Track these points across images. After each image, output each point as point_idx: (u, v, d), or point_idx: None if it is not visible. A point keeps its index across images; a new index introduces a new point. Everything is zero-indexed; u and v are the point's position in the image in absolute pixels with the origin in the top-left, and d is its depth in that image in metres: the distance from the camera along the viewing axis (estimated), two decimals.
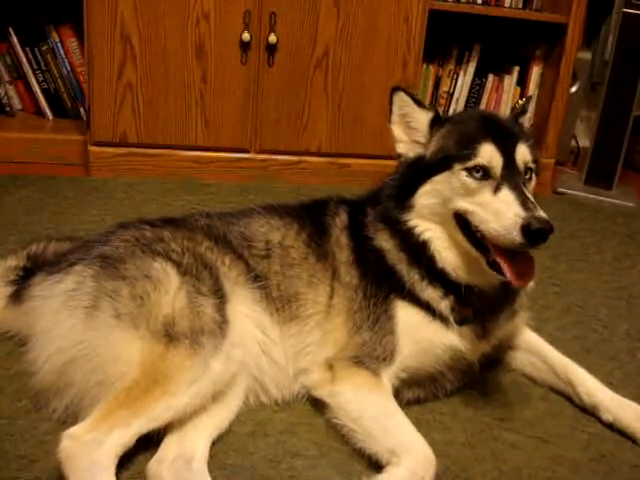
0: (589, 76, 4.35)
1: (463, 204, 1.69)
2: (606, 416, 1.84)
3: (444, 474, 1.59)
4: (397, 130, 1.84)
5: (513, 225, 1.59)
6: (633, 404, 1.85)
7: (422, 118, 1.81)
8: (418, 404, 1.85)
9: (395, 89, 1.83)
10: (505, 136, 1.72)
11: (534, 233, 1.57)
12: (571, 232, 3.28)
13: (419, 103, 1.83)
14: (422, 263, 1.76)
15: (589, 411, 1.88)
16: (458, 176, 1.69)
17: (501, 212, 1.62)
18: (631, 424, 1.81)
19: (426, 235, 1.76)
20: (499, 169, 1.67)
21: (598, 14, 4.24)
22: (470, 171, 1.68)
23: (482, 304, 1.79)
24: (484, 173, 1.67)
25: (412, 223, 1.77)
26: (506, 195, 1.64)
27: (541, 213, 1.59)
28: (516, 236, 1.58)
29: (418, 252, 1.77)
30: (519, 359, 2.05)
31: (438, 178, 1.73)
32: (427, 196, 1.75)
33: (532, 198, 1.65)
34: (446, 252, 1.75)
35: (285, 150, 3.52)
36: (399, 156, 1.85)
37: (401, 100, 1.82)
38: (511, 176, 1.67)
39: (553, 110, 3.83)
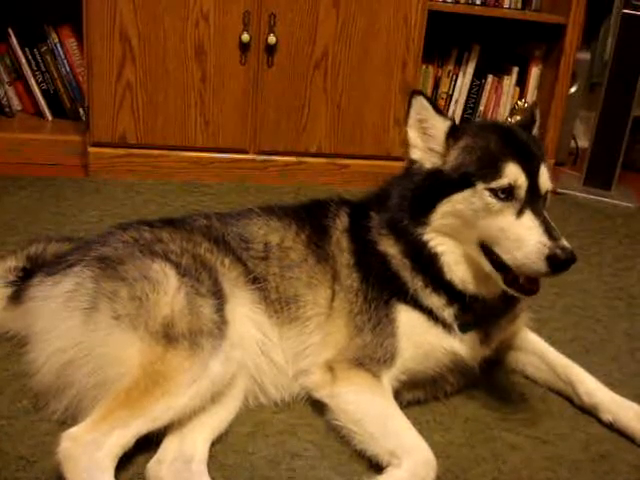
0: (588, 77, 4.35)
1: (486, 232, 1.67)
2: (606, 416, 1.84)
3: (444, 474, 1.59)
4: (413, 135, 1.79)
5: (538, 254, 1.57)
6: (633, 404, 1.85)
7: (439, 126, 1.76)
8: (418, 405, 1.84)
9: (415, 92, 1.77)
10: (528, 156, 1.69)
11: (560, 264, 1.56)
12: (570, 233, 3.28)
13: (438, 110, 1.77)
14: (427, 271, 1.75)
15: (589, 411, 1.88)
16: (481, 195, 1.66)
17: (524, 239, 1.60)
18: (631, 424, 1.80)
19: (439, 249, 1.74)
20: (523, 191, 1.65)
21: (597, 14, 4.25)
22: (494, 191, 1.65)
23: (485, 311, 1.78)
24: (508, 194, 1.65)
25: (426, 237, 1.74)
26: (530, 220, 1.63)
27: (565, 242, 1.58)
28: (541, 266, 1.57)
29: (425, 262, 1.75)
30: (520, 360, 2.05)
31: (459, 197, 1.69)
32: (447, 216, 1.71)
33: (553, 224, 1.63)
34: (457, 266, 1.74)
35: (284, 151, 3.53)
36: (412, 162, 1.80)
37: (420, 105, 1.76)
38: (534, 199, 1.66)
39: (552, 110, 3.84)
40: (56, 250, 2.00)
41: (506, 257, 1.64)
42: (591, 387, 1.88)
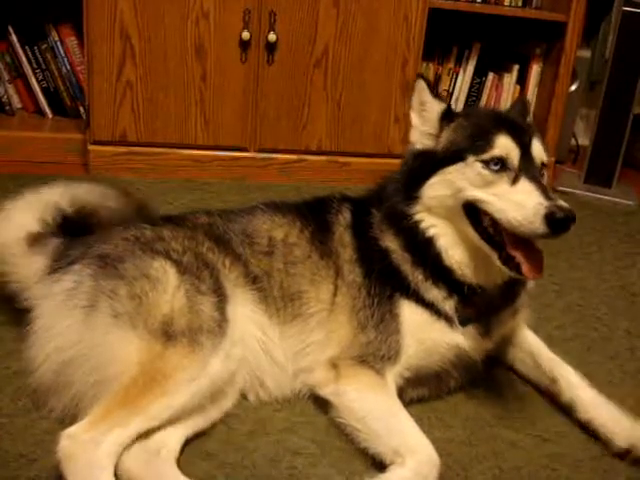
0: (589, 74, 4.35)
1: (476, 193, 1.67)
2: (582, 415, 1.80)
3: (445, 472, 1.58)
4: (414, 117, 1.84)
5: (535, 214, 1.56)
6: (612, 406, 1.80)
7: (434, 108, 1.81)
8: (419, 402, 1.84)
9: (418, 76, 1.84)
10: (519, 129, 1.72)
11: (558, 222, 1.55)
12: (571, 231, 3.27)
13: (435, 93, 1.83)
14: (427, 263, 1.75)
15: (567, 409, 1.85)
16: (473, 167, 1.67)
17: (522, 202, 1.60)
18: (606, 425, 1.76)
19: (432, 231, 1.75)
20: (516, 160, 1.66)
21: (598, 12, 4.25)
22: (487, 163, 1.66)
23: (485, 303, 1.78)
24: (501, 165, 1.66)
25: (418, 217, 1.76)
26: (526, 185, 1.63)
27: (563, 202, 1.58)
28: (539, 225, 1.56)
29: (423, 250, 1.75)
30: (510, 355, 2.04)
31: (449, 169, 1.71)
32: (436, 187, 1.73)
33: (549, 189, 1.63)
34: (452, 250, 1.74)
35: (285, 149, 3.52)
36: (411, 144, 1.84)
37: (420, 87, 1.82)
38: (528, 167, 1.66)
39: (553, 108, 3.84)
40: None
41: (500, 217, 1.63)
42: (574, 383, 1.85)
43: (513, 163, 1.66)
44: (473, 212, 1.70)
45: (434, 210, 1.75)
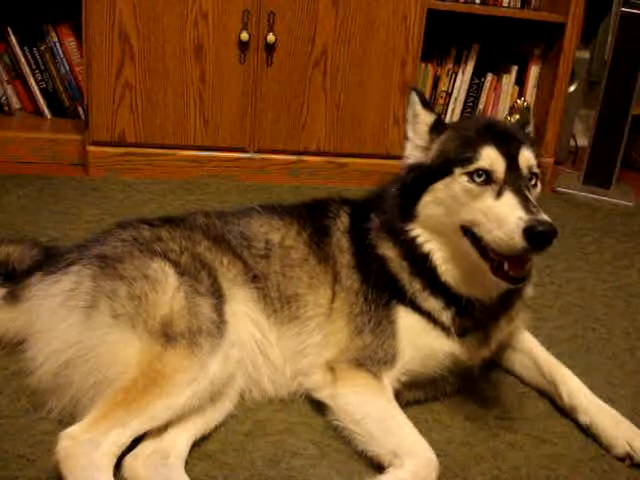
0: (587, 75, 4.35)
1: (468, 216, 1.65)
2: (583, 419, 1.80)
3: (443, 473, 1.58)
4: (409, 130, 1.83)
5: (515, 229, 1.53)
6: (612, 411, 1.80)
7: (425, 120, 1.80)
8: (417, 404, 1.84)
9: (411, 89, 1.83)
10: (507, 140, 1.69)
11: (537, 236, 1.51)
12: (570, 231, 3.28)
13: (425, 104, 1.81)
14: (424, 274, 1.75)
15: (568, 413, 1.85)
16: (459, 181, 1.66)
17: (503, 217, 1.57)
18: (607, 430, 1.76)
19: (427, 247, 1.74)
20: (502, 173, 1.63)
21: (596, 13, 4.24)
22: (472, 175, 1.64)
23: (482, 314, 1.78)
24: (486, 177, 1.63)
25: (414, 233, 1.75)
26: (508, 198, 1.60)
27: (544, 216, 1.54)
28: (518, 240, 1.52)
29: (421, 262, 1.75)
30: (509, 358, 2.03)
31: (439, 185, 1.70)
32: (431, 206, 1.72)
33: (535, 202, 1.60)
34: (447, 265, 1.73)
35: (283, 149, 3.53)
36: (405, 157, 1.84)
37: (412, 100, 1.81)
38: (514, 180, 1.63)
39: (552, 109, 3.84)
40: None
41: (487, 237, 1.60)
42: (573, 388, 1.85)
43: (498, 176, 1.63)
44: (469, 231, 1.68)
45: (430, 227, 1.74)
